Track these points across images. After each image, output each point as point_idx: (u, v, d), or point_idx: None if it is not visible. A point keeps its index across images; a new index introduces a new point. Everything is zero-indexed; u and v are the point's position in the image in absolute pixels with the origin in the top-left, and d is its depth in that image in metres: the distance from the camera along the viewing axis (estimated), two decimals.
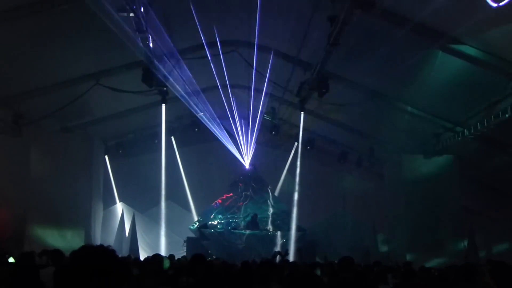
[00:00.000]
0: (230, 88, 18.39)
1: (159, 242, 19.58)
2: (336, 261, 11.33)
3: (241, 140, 20.85)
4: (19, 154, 16.33)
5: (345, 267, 6.49)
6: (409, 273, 7.82)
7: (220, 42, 15.10)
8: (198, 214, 21.81)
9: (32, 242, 15.87)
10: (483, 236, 18.36)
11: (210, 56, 15.40)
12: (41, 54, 13.32)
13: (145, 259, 10.81)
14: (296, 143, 20.85)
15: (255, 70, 16.23)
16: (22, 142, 16.12)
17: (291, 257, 17.22)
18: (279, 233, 19.78)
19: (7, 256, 10.04)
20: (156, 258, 7.86)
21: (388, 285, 7.59)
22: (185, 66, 15.79)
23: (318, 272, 8.38)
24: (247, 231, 19.67)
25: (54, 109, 15.28)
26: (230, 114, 19.78)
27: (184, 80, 16.29)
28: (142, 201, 21.13)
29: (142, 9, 10.79)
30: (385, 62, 13.73)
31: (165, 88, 15.06)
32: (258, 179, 21.72)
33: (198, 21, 13.27)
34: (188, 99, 17.02)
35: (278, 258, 12.02)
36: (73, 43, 13.07)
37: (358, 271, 6.93)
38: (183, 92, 16.44)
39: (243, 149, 21.00)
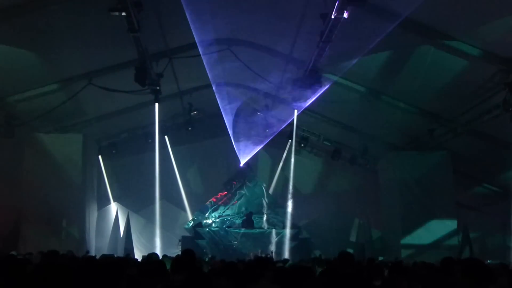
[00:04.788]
0: (223, 86, 18.34)
1: (154, 242, 19.57)
2: (332, 258, 11.41)
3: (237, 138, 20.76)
4: (12, 155, 16.27)
5: (345, 262, 6.33)
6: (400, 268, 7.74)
7: (212, 40, 15.05)
8: (193, 213, 21.77)
9: (26, 242, 15.86)
10: (477, 232, 18.45)
11: (203, 55, 15.34)
12: (33, 54, 13.25)
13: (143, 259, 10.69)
14: (290, 141, 20.82)
15: (248, 68, 16.20)
16: (15, 143, 16.05)
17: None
18: (274, 231, 19.74)
19: None
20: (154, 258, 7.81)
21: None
22: (177, 65, 15.74)
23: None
24: (242, 229, 19.63)
25: (47, 110, 15.24)
26: (224, 112, 19.70)
27: (177, 79, 16.20)
28: (137, 200, 21.07)
29: (134, 8, 10.72)
30: (378, 59, 13.78)
31: (158, 87, 15.01)
32: (252, 177, 21.72)
33: (190, 20, 13.21)
34: (181, 98, 16.95)
35: (273, 255, 12.03)
36: (65, 43, 13.00)
37: (358, 267, 6.76)
38: (176, 91, 16.37)
39: (238, 147, 20.93)
